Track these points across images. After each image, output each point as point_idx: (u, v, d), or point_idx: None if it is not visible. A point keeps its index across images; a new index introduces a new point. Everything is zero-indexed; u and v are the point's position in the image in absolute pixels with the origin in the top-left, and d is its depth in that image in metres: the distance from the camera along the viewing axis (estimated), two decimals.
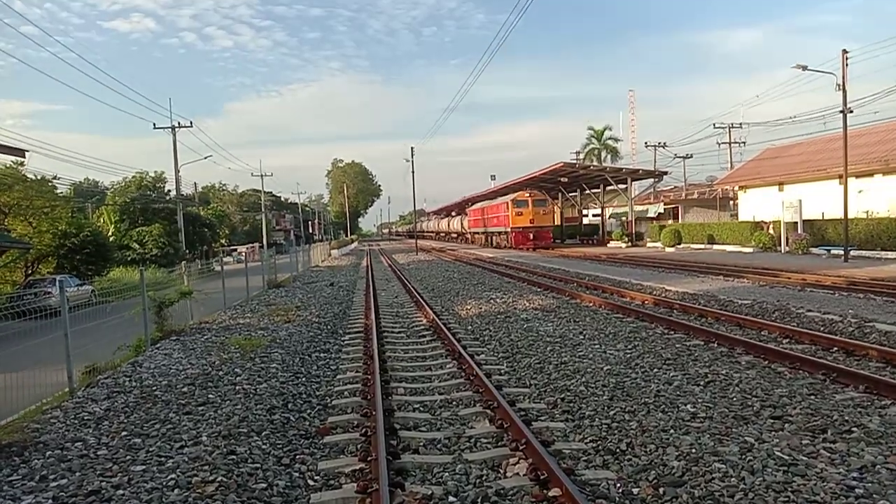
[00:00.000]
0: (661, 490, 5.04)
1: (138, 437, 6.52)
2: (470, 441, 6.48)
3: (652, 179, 53.99)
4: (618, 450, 5.98)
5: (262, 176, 74.36)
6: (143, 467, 5.63)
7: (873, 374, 7.85)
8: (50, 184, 36.65)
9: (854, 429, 6.08)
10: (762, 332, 11.04)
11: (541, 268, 27.57)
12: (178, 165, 44.24)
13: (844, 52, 26.30)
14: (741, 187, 42.74)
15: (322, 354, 11.30)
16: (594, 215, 62.35)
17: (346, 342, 12.32)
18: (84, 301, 11.81)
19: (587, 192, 57.63)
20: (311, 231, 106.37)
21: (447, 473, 5.61)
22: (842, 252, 26.13)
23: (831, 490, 4.79)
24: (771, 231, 34.04)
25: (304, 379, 9.38)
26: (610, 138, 71.86)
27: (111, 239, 42.05)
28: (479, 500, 5.04)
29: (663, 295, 16.87)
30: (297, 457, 6.17)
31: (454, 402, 7.89)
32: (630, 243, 47.02)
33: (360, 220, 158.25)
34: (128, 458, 5.89)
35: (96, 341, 10.60)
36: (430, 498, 5.09)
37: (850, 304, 13.64)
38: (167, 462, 5.74)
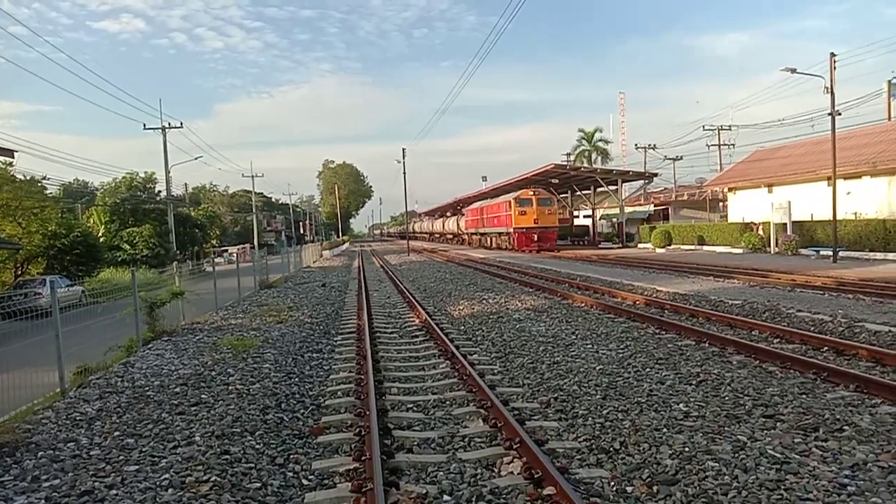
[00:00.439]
0: (654, 488, 5.07)
1: (131, 437, 6.50)
2: (464, 440, 6.49)
3: (642, 181, 54.19)
4: (611, 448, 6.00)
5: (252, 177, 74.24)
6: (137, 467, 5.61)
7: (864, 373, 7.91)
8: (39, 184, 36.49)
9: (845, 427, 6.13)
10: (753, 332, 11.11)
11: (532, 268, 27.62)
12: (168, 166, 44.13)
13: (832, 55, 26.52)
14: (730, 189, 42.98)
15: (315, 355, 11.27)
16: (585, 216, 62.52)
17: (338, 342, 12.30)
18: (74, 302, 11.73)
19: (578, 193, 57.74)
20: (302, 232, 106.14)
21: (442, 472, 5.62)
22: (831, 253, 26.32)
23: (823, 488, 4.83)
24: (760, 232, 34.24)
25: (297, 379, 9.36)
26: (600, 140, 72.01)
27: (101, 240, 41.88)
28: (473, 498, 5.05)
29: (654, 295, 16.94)
30: (292, 456, 6.16)
31: (448, 402, 7.90)
32: (621, 244, 47.18)
33: (351, 221, 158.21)
34: (121, 458, 5.88)
35: (87, 342, 10.55)
36: (425, 497, 5.09)
37: (840, 305, 13.75)
38: (160, 462, 5.73)
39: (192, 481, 5.26)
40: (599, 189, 52.26)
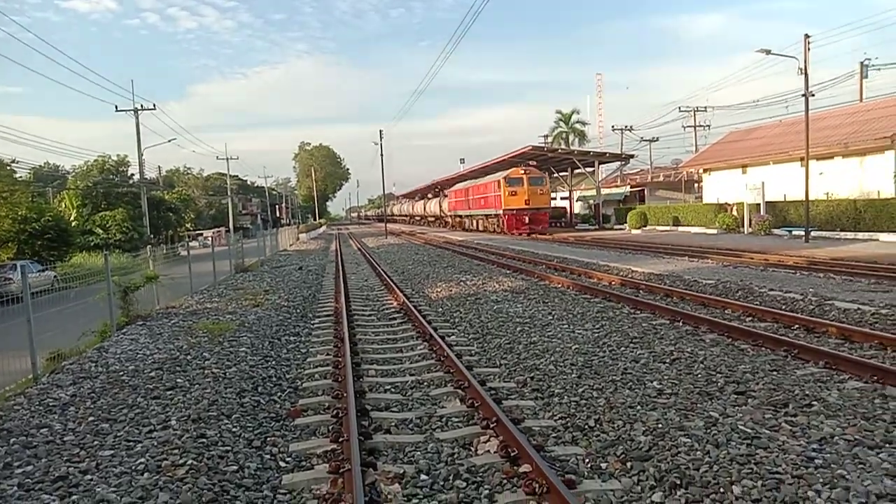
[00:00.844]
0: (628, 464, 5.15)
1: (106, 422, 6.44)
2: (441, 420, 6.53)
3: (618, 162, 54.47)
4: (586, 426, 6.08)
5: (227, 159, 73.43)
6: (112, 452, 5.57)
7: (832, 350, 8.08)
8: (8, 168, 35.75)
9: (814, 402, 6.27)
10: (726, 311, 11.27)
11: (510, 250, 27.71)
12: (141, 149, 43.43)
13: (806, 36, 26.77)
14: (706, 170, 43.38)
15: (292, 338, 11.24)
16: (562, 198, 62.79)
17: (315, 325, 12.27)
18: (46, 287, 11.54)
19: (555, 175, 57.88)
20: (278, 215, 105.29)
21: (419, 452, 5.66)
22: (803, 233, 26.75)
23: (792, 461, 4.94)
24: (734, 213, 34.66)
25: (273, 362, 9.33)
26: (578, 122, 72.15)
27: (73, 224, 41.25)
28: (450, 477, 5.10)
29: (630, 276, 17.10)
30: (269, 439, 6.16)
31: (425, 383, 7.93)
32: (597, 226, 47.44)
33: (328, 204, 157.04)
34: (95, 443, 5.83)
35: (60, 327, 10.41)
36: (403, 476, 5.13)
37: (811, 283, 14.00)
38: (136, 447, 5.69)
39: (168, 465, 5.24)
40: (576, 171, 52.43)
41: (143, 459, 5.36)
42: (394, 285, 16.95)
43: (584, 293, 14.35)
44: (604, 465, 5.21)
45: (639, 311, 11.71)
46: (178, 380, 8.04)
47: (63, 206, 45.17)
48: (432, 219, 73.09)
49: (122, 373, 8.45)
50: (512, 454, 5.30)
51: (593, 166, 50.00)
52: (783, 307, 11.38)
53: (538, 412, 6.64)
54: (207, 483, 4.97)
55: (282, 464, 5.59)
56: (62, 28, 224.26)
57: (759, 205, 32.27)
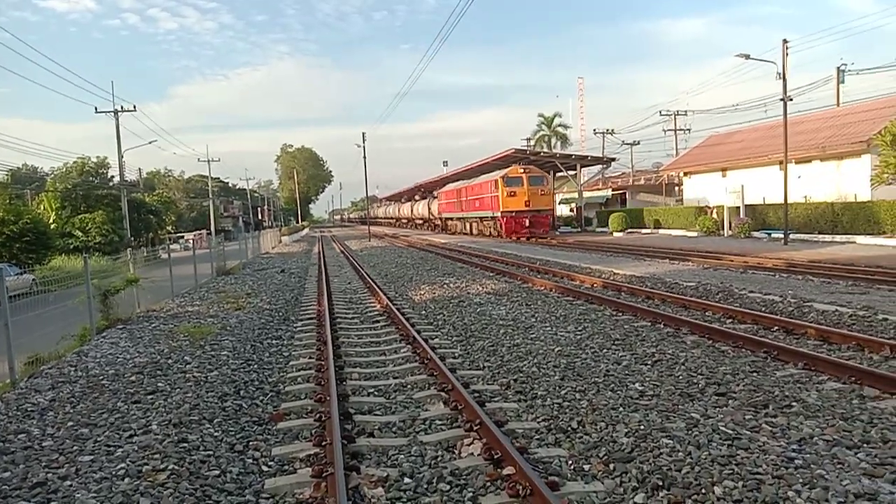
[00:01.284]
0: (611, 466, 5.18)
1: (85, 427, 6.37)
2: (425, 423, 6.52)
3: (600, 166, 54.74)
4: (569, 428, 6.10)
5: (209, 161, 72.86)
6: (92, 457, 5.51)
7: (811, 351, 8.18)
8: None
9: (794, 403, 6.35)
10: (706, 313, 11.38)
11: (493, 253, 27.76)
12: (121, 150, 42.97)
13: (785, 41, 27.16)
14: (686, 173, 43.80)
15: (274, 341, 11.18)
16: None
17: (298, 329, 12.22)
18: (25, 290, 11.40)
19: None
20: (260, 218, 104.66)
21: (402, 455, 5.65)
22: (782, 235, 27.06)
23: (772, 462, 4.99)
24: (714, 216, 34.99)
25: (255, 366, 9.27)
26: (560, 125, 72.68)
27: (52, 226, 40.70)
28: (434, 480, 5.10)
29: (612, 278, 17.21)
30: (251, 443, 6.12)
31: (409, 386, 7.92)
32: (580, 228, 47.66)
33: (311, 206, 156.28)
34: (75, 448, 5.76)
35: (39, 331, 10.28)
36: (386, 480, 5.12)
37: (790, 285, 14.17)
38: (116, 451, 5.63)
39: (149, 470, 5.19)
40: (559, 174, 52.62)
41: (123, 465, 5.31)
42: (377, 288, 16.92)
43: (567, 295, 14.41)
44: (587, 467, 5.23)
45: (621, 313, 11.78)
46: (160, 384, 7.97)
47: (42, 208, 44.59)
48: (420, 222, 70.73)
49: (102, 377, 8.35)
50: (495, 456, 5.31)
51: (575, 169, 50.20)
52: (763, 309, 11.50)
53: (521, 414, 6.66)
54: (189, 488, 4.93)
55: (264, 468, 5.56)
56: (40, 28, 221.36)
57: (738, 208, 32.63)
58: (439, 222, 58.83)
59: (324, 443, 5.81)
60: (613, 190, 59.00)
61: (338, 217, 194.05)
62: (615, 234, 41.53)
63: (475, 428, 6.00)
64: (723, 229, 33.54)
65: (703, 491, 4.64)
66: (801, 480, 4.65)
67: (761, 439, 5.46)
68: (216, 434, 6.25)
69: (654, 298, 13.26)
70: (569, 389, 7.28)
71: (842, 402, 6.36)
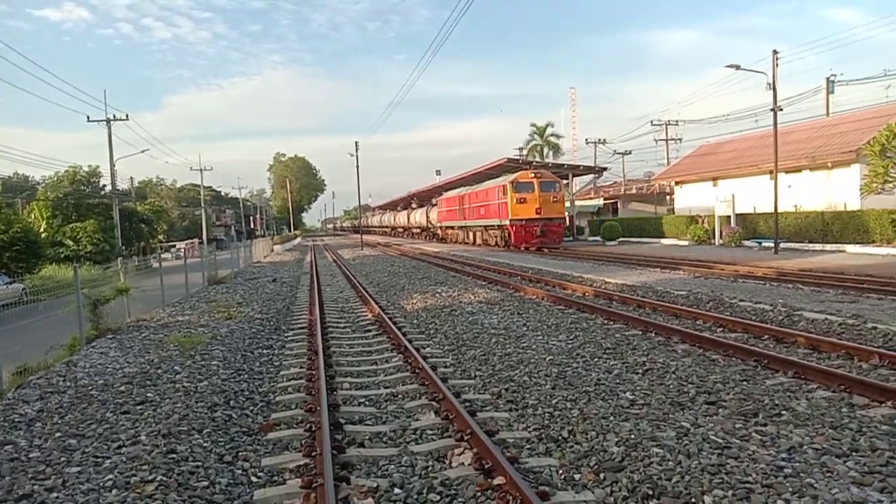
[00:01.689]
0: (601, 475, 5.18)
1: (73, 437, 6.31)
2: (416, 433, 6.50)
3: (592, 175, 54.98)
4: (560, 437, 6.10)
5: (201, 170, 72.76)
6: (79, 468, 5.46)
7: (801, 360, 8.20)
8: None
9: (783, 412, 6.36)
10: (697, 322, 11.41)
11: (485, 262, 27.77)
12: (113, 159, 42.91)
13: (775, 52, 27.37)
14: (677, 182, 44.02)
15: (265, 351, 11.14)
16: None
17: (289, 338, 12.17)
18: (14, 299, 11.32)
19: None
20: (252, 227, 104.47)
21: (393, 466, 5.63)
22: (772, 244, 27.18)
23: (762, 470, 5.00)
24: (705, 225, 35.14)
25: (246, 376, 9.23)
26: (552, 135, 72.90)
27: (43, 235, 40.51)
28: (424, 490, 5.08)
29: (603, 287, 17.24)
30: (240, 454, 6.08)
31: (400, 396, 7.90)
32: (572, 237, 47.75)
33: (303, 215, 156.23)
34: (62, 459, 5.70)
35: (28, 341, 10.22)
36: (376, 491, 5.10)
37: (780, 294, 14.23)
38: (104, 462, 5.59)
39: (137, 481, 5.15)
40: None
41: (111, 476, 5.26)
42: (369, 297, 16.90)
43: (559, 304, 14.42)
44: (577, 477, 5.23)
45: (612, 322, 11.80)
46: (149, 394, 7.92)
47: (32, 217, 44.35)
48: (417, 230, 67.41)
49: (90, 387, 8.29)
50: (486, 466, 5.29)
51: (567, 179, 50.40)
52: (753, 318, 11.54)
53: (512, 424, 6.65)
54: (177, 499, 4.90)
55: (253, 479, 5.53)
56: (33, 37, 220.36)
57: (729, 217, 32.78)
58: (439, 231, 55.61)
59: (314, 453, 5.78)
60: (605, 199, 59.25)
61: (330, 226, 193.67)
62: (606, 242, 41.60)
63: (466, 438, 5.99)
64: (714, 238, 33.68)
65: (693, 500, 4.64)
66: (790, 489, 4.66)
67: (751, 448, 5.47)
68: (205, 445, 6.21)
69: (645, 307, 13.29)
70: (560, 398, 7.27)
71: (831, 410, 6.38)
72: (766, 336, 9.86)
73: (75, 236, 42.39)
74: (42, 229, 42.23)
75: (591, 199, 61.12)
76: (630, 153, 68.18)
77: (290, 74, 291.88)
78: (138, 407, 7.37)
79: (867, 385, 6.88)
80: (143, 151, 60.79)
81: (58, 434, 6.44)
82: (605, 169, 55.57)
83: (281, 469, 5.68)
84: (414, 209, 69.64)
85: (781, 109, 28.19)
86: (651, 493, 4.78)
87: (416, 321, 13.50)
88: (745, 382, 7.51)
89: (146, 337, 12.05)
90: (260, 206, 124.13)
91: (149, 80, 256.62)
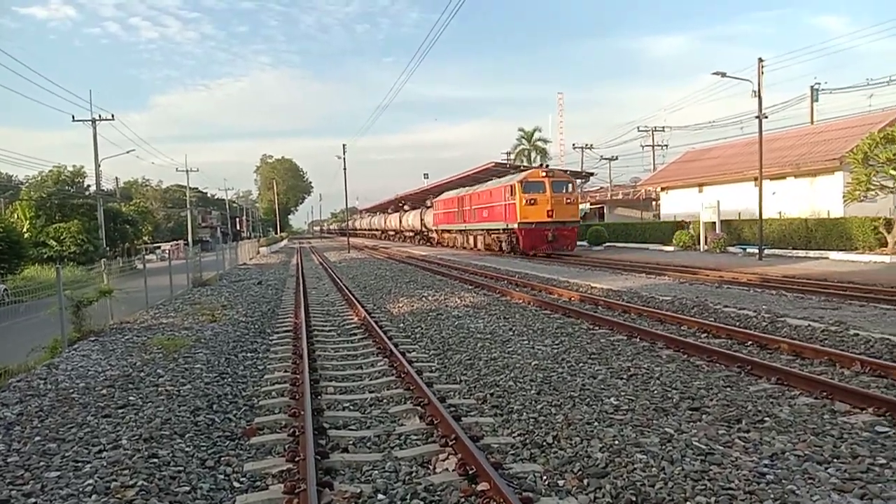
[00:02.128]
0: (585, 481, 5.18)
1: (53, 441, 6.23)
2: (400, 438, 6.48)
3: (579, 180, 55.17)
4: (544, 443, 6.10)
5: (187, 171, 72.38)
6: (58, 473, 5.39)
7: (784, 366, 8.27)
8: None
9: (766, 418, 6.40)
10: (682, 328, 11.47)
11: (472, 266, 27.78)
12: (98, 159, 42.53)
13: (760, 60, 27.64)
14: (663, 188, 44.27)
15: (249, 354, 11.07)
16: None
17: (274, 341, 12.11)
18: None
19: None
20: (238, 228, 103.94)
21: (376, 471, 5.60)
22: (756, 251, 27.40)
23: (745, 477, 5.03)
24: (691, 231, 35.35)
25: (229, 379, 9.16)
26: (539, 139, 73.15)
27: (26, 236, 40.08)
28: (407, 496, 5.06)
29: (589, 292, 17.30)
30: (223, 459, 6.03)
31: (385, 400, 7.88)
32: None
33: (290, 217, 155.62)
34: (41, 464, 5.63)
35: (8, 342, 10.10)
36: (359, 496, 5.07)
37: (764, 300, 14.33)
38: (84, 467, 5.52)
39: (118, 486, 5.09)
40: None
41: (91, 481, 5.20)
42: (355, 300, 16.85)
43: (545, 309, 14.45)
44: (561, 483, 5.22)
45: (597, 327, 11.83)
46: (131, 397, 7.84)
47: (15, 217, 43.93)
48: (410, 234, 64.17)
49: (72, 390, 8.20)
50: (470, 472, 5.29)
51: None
52: (737, 324, 11.61)
53: (497, 429, 6.64)
54: None
55: (236, 484, 5.48)
56: (19, 35, 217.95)
57: (714, 223, 33.00)
58: (434, 235, 52.35)
59: (297, 458, 5.75)
60: (592, 204, 59.47)
61: (317, 228, 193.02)
62: (593, 247, 41.74)
63: (450, 443, 5.97)
64: (699, 244, 33.88)
65: None
66: (772, 496, 4.68)
67: (734, 454, 5.50)
68: (187, 449, 6.15)
69: (630, 312, 13.34)
70: (545, 404, 7.28)
71: (813, 417, 6.43)
72: (750, 342, 9.92)
73: (59, 237, 42.05)
74: (25, 229, 41.84)
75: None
76: (616, 158, 68.68)
77: (278, 76, 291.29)
78: (120, 410, 7.29)
79: (849, 392, 6.94)
80: (128, 152, 60.31)
81: (37, 438, 6.36)
82: (591, 174, 55.97)
83: (264, 474, 5.64)
84: (407, 211, 66.43)
85: (766, 117, 28.50)
86: (634, 499, 4.79)
87: (402, 325, 13.47)
88: (728, 388, 7.56)
89: (129, 339, 11.94)
90: (246, 208, 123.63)
91: (136, 80, 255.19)
